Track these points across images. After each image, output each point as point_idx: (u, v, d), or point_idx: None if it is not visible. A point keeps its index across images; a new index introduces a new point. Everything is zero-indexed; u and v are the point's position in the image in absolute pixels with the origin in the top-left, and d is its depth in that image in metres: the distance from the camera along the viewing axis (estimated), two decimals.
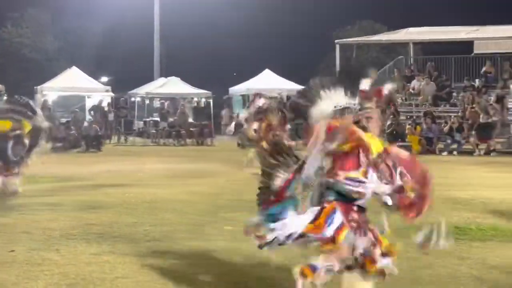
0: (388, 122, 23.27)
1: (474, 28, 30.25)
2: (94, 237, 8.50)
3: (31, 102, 12.48)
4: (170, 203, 11.46)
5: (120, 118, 34.04)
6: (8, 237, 8.46)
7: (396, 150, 5.29)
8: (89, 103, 34.71)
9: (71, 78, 34.77)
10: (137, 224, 9.42)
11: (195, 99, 36.92)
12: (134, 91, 37.74)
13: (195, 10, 51.49)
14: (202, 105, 36.45)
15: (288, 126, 6.05)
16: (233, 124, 16.69)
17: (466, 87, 28.73)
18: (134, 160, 21.69)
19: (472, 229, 8.96)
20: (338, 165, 5.09)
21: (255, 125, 15.01)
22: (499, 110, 26.06)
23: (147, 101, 36.84)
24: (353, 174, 5.05)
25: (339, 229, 5.03)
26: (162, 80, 38.84)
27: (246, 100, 38.72)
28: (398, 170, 5.09)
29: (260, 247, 5.38)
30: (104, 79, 46.62)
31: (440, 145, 25.73)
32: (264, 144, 5.73)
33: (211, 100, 36.31)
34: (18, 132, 11.75)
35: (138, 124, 35.59)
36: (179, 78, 37.19)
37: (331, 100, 5.34)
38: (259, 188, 5.66)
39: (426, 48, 37.24)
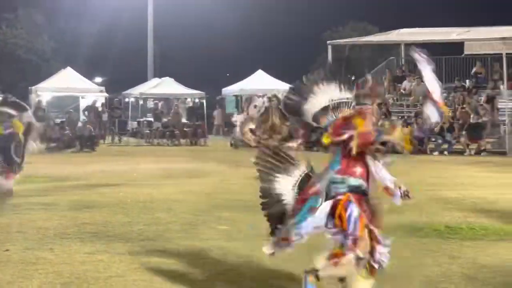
0: (380, 122, 23.32)
1: (465, 29, 30.34)
2: (88, 236, 8.50)
3: (18, 100, 12.58)
4: (164, 203, 11.46)
5: (114, 118, 34.06)
6: (2, 237, 8.46)
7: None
8: (83, 104, 34.68)
9: (66, 78, 34.73)
10: (131, 224, 9.41)
11: (189, 99, 36.99)
12: (128, 91, 37.81)
13: (188, 11, 51.53)
14: (194, 105, 36.55)
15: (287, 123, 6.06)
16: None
17: (456, 87, 28.85)
18: (128, 160, 21.68)
19: (463, 228, 8.97)
20: (348, 162, 5.13)
21: (251, 125, 14.94)
22: (489, 111, 26.20)
23: (141, 102, 36.89)
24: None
25: (358, 222, 5.08)
26: (156, 80, 38.92)
27: (239, 100, 38.93)
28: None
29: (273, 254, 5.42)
30: (98, 79, 46.62)
31: (431, 145, 25.86)
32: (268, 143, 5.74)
33: (204, 101, 36.39)
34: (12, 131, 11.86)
35: (132, 124, 35.67)
36: (172, 79, 37.26)
37: (326, 95, 5.34)
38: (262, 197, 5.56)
39: (418, 49, 37.29)
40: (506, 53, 26.60)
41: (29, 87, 34.14)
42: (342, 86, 5.36)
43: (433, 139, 26.03)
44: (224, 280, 6.54)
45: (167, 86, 36.51)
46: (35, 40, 50.32)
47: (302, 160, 5.51)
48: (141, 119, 35.02)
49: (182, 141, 31.60)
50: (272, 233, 5.42)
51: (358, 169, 5.17)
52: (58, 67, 39.63)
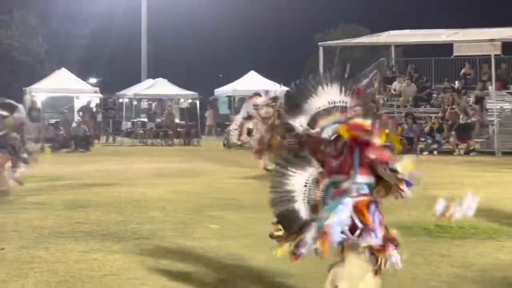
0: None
1: (454, 31, 30.43)
2: (83, 235, 8.53)
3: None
4: (158, 202, 11.52)
5: (109, 118, 34.09)
6: None
7: None
8: (77, 104, 34.66)
9: (60, 79, 34.71)
10: (125, 222, 9.45)
11: (182, 100, 37.08)
12: (122, 92, 37.83)
13: (181, 12, 51.55)
14: (191, 105, 36.63)
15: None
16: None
17: (446, 88, 28.93)
18: (122, 160, 21.74)
19: (453, 227, 8.87)
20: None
21: (250, 125, 14.91)
22: (478, 111, 26.29)
23: (135, 102, 36.88)
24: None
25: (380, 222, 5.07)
26: (149, 81, 38.95)
27: (232, 101, 39.06)
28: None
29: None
30: (93, 80, 46.68)
31: (421, 145, 26.05)
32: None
33: (197, 101, 36.46)
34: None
35: (126, 125, 35.70)
36: (166, 80, 37.30)
37: (327, 96, 5.31)
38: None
39: (407, 50, 37.48)
40: (495, 55, 26.67)
41: (24, 88, 34.14)
42: (343, 89, 5.32)
43: (423, 139, 26.23)
44: (216, 278, 6.57)
45: (161, 87, 36.53)
46: (30, 41, 50.20)
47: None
48: (135, 120, 35.02)
49: (176, 141, 31.69)
50: (284, 236, 5.19)
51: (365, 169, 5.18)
52: (52, 68, 39.59)
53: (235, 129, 16.70)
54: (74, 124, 29.23)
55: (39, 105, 32.31)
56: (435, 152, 25.29)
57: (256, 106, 15.94)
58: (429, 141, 25.91)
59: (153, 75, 42.94)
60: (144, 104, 37.61)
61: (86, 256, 7.39)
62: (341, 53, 31.76)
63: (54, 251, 7.59)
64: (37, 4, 50.47)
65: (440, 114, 26.88)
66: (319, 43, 30.83)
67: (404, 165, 5.12)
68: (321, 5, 56.16)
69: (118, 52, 52.11)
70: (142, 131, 32.94)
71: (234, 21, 54.19)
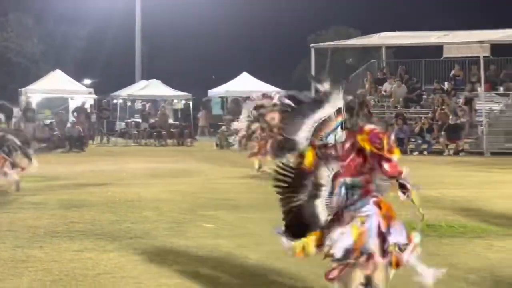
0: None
1: (444, 33, 30.59)
2: (77, 234, 8.54)
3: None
4: (152, 202, 11.54)
5: (103, 119, 34.17)
6: None
7: None
8: (72, 105, 34.76)
9: (55, 80, 34.87)
10: (119, 222, 9.46)
11: (175, 101, 37.20)
12: (116, 93, 37.92)
13: (175, 14, 51.61)
14: (185, 106, 36.76)
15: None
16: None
17: (435, 89, 29.15)
18: (117, 160, 21.78)
19: (442, 226, 9.04)
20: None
21: (254, 127, 14.77)
22: (468, 112, 26.45)
23: (129, 103, 36.96)
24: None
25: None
26: (143, 82, 39.05)
27: (225, 102, 39.20)
28: None
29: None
30: (87, 81, 46.80)
31: (411, 145, 26.23)
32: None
33: (190, 102, 36.58)
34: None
35: (120, 125, 35.77)
36: (159, 81, 37.42)
37: (332, 108, 5.35)
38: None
39: (398, 52, 37.67)
40: (484, 56, 26.83)
41: (19, 89, 34.22)
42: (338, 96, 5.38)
43: (413, 140, 26.43)
44: (211, 276, 6.58)
45: (155, 88, 36.65)
46: (25, 43, 50.24)
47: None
48: (129, 120, 35.07)
49: (169, 141, 31.78)
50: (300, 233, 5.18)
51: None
52: (47, 70, 39.72)
53: (242, 135, 16.03)
54: (68, 125, 29.29)
55: (34, 105, 32.38)
56: (425, 152, 25.49)
57: (258, 109, 15.63)
58: (419, 141, 26.11)
59: (147, 76, 43.04)
60: (138, 105, 37.76)
61: (81, 255, 7.39)
62: (332, 55, 31.90)
63: (48, 250, 7.61)
64: (33, 6, 50.54)
65: (430, 115, 27.06)
66: (311, 45, 30.93)
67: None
68: (313, 7, 56.37)
69: (112, 54, 52.10)
70: (136, 132, 33.02)
71: (228, 23, 54.22)
